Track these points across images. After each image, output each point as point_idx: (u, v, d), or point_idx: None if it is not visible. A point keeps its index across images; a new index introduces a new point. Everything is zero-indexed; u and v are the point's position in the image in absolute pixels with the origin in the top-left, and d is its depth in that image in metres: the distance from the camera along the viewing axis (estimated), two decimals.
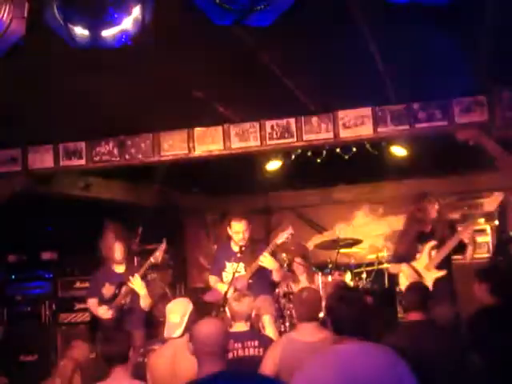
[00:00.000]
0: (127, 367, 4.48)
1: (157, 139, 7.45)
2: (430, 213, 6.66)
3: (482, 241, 8.75)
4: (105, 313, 6.87)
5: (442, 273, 6.43)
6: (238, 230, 6.82)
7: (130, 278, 6.82)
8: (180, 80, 5.77)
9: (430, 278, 6.42)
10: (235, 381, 1.13)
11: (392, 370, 3.21)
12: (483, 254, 8.65)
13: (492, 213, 8.95)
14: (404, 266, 6.70)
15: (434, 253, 6.53)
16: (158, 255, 6.87)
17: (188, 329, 4.99)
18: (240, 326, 5.38)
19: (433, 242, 6.58)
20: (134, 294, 6.90)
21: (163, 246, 6.91)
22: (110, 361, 4.44)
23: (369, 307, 3.82)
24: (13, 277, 9.22)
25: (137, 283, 6.81)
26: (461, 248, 6.56)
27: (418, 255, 6.64)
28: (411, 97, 6.70)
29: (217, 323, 3.99)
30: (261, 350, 5.17)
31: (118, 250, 7.06)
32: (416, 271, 6.55)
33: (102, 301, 6.99)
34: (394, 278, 7.27)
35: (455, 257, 7.14)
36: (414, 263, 6.62)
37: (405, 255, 6.75)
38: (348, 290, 4.44)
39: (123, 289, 6.90)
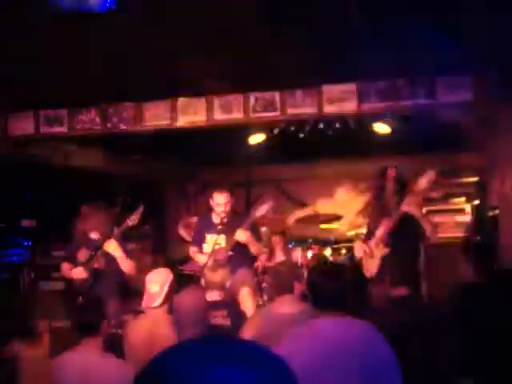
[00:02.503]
0: (98, 338, 4.44)
1: (139, 108, 7.39)
2: (390, 183, 6.62)
3: (461, 220, 8.82)
4: (79, 273, 6.81)
5: (386, 250, 6.38)
6: (219, 202, 6.81)
7: (106, 243, 6.77)
8: (164, 50, 5.73)
9: (378, 254, 6.42)
10: (216, 343, 1.12)
11: (372, 345, 3.22)
12: (463, 233, 8.72)
13: (472, 192, 9.03)
14: (357, 244, 6.73)
15: (384, 228, 6.50)
16: (135, 218, 6.81)
17: (168, 299, 5.00)
18: (212, 296, 5.41)
19: (386, 219, 6.53)
20: (110, 260, 6.83)
21: (140, 209, 6.87)
22: (81, 330, 4.41)
23: (351, 282, 3.84)
24: None
25: (111, 246, 6.73)
26: (415, 225, 6.47)
27: (376, 232, 6.61)
28: (396, 73, 6.69)
29: (198, 292, 4.00)
30: (228, 319, 5.21)
31: (93, 226, 7.03)
32: (369, 249, 6.55)
33: (77, 264, 6.93)
34: None
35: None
36: (369, 241, 6.61)
37: (371, 233, 6.75)
38: (330, 265, 4.45)
39: (99, 252, 6.84)
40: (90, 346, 4.37)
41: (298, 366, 3.01)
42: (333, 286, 3.48)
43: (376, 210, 6.78)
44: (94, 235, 7.05)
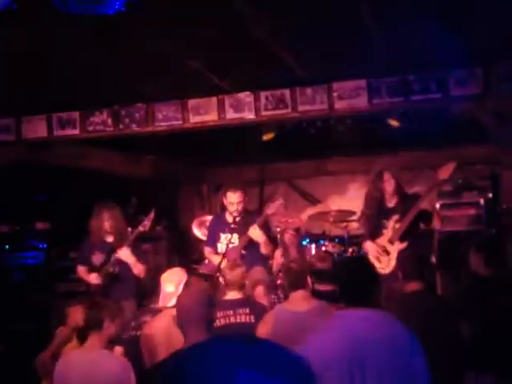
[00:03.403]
0: (103, 335, 4.53)
1: (151, 109, 7.42)
2: (387, 188, 6.67)
3: (474, 213, 8.80)
4: (95, 279, 6.89)
5: (404, 244, 6.40)
6: (233, 201, 6.82)
7: (118, 249, 6.82)
8: (174, 50, 5.74)
9: (394, 250, 6.42)
10: (227, 345, 1.14)
11: (399, 339, 3.23)
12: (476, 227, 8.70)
13: (484, 185, 8.99)
14: (368, 244, 6.73)
15: (397, 225, 6.53)
16: (146, 224, 6.87)
17: None
18: (233, 294, 5.44)
19: (396, 216, 6.57)
20: (125, 264, 6.90)
21: (151, 214, 6.91)
22: (86, 329, 4.50)
23: (378, 276, 3.83)
24: (6, 247, 9.23)
25: (124, 253, 6.80)
26: (426, 217, 6.56)
27: (384, 231, 6.64)
28: (407, 69, 6.67)
29: (200, 292, 4.02)
30: (252, 317, 5.24)
31: (108, 226, 7.05)
32: (381, 246, 6.56)
33: (92, 268, 7.01)
34: None
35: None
36: (378, 239, 6.63)
37: (372, 233, 6.77)
38: (357, 259, 4.40)
39: (112, 257, 6.91)
40: (93, 345, 4.44)
41: (325, 358, 3.05)
42: (360, 280, 3.49)
43: (374, 213, 6.80)
44: (108, 238, 7.10)
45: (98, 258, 7.01)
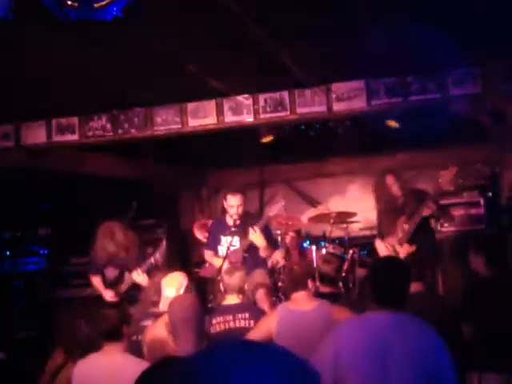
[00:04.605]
0: (121, 343, 4.52)
1: (150, 113, 7.42)
2: (394, 192, 6.67)
3: (475, 213, 8.81)
4: (111, 297, 6.88)
5: (412, 248, 6.42)
6: (232, 204, 6.81)
7: (134, 273, 6.75)
8: (172, 54, 5.75)
9: (403, 252, 6.43)
10: (227, 352, 1.14)
11: (426, 342, 3.24)
12: (477, 226, 8.70)
13: (485, 185, 9.00)
14: (379, 243, 6.74)
15: (406, 226, 6.55)
16: (159, 257, 6.85)
17: None
18: (232, 299, 5.44)
19: (405, 216, 6.58)
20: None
21: (162, 247, 6.91)
22: (103, 337, 4.49)
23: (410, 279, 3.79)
24: (8, 253, 9.22)
25: (139, 278, 6.76)
26: (429, 224, 6.59)
27: (394, 230, 6.65)
28: (405, 69, 6.67)
29: (192, 298, 4.04)
30: (251, 321, 5.24)
31: (111, 247, 6.99)
32: (391, 247, 6.57)
33: (105, 282, 6.99)
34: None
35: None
36: (389, 238, 6.64)
37: (384, 232, 6.78)
38: (395, 261, 4.36)
39: (126, 275, 6.89)
40: (113, 350, 4.44)
41: (351, 359, 3.07)
42: (397, 283, 3.49)
43: (385, 211, 6.80)
44: (121, 254, 7.03)
45: (111, 272, 7.00)
